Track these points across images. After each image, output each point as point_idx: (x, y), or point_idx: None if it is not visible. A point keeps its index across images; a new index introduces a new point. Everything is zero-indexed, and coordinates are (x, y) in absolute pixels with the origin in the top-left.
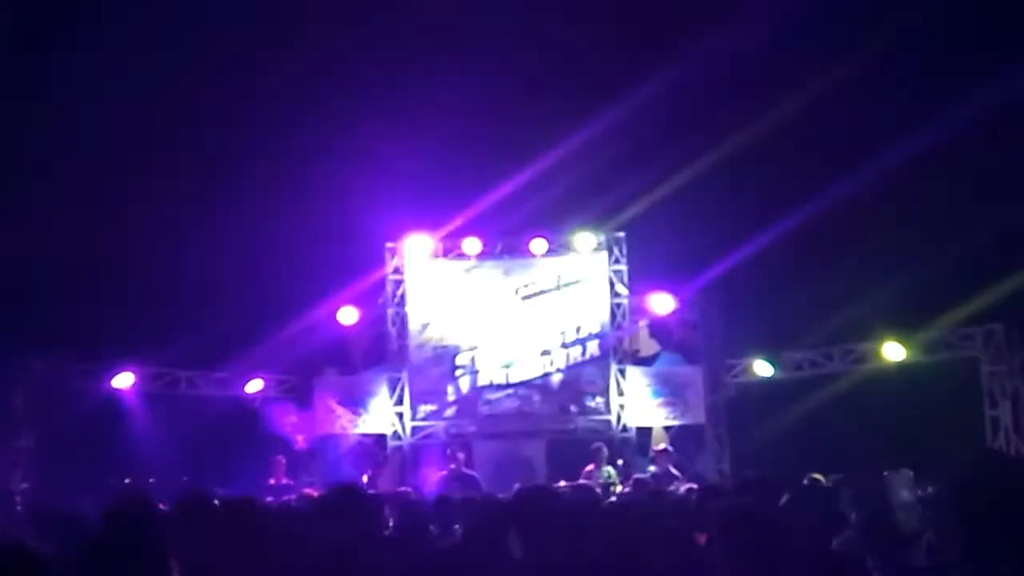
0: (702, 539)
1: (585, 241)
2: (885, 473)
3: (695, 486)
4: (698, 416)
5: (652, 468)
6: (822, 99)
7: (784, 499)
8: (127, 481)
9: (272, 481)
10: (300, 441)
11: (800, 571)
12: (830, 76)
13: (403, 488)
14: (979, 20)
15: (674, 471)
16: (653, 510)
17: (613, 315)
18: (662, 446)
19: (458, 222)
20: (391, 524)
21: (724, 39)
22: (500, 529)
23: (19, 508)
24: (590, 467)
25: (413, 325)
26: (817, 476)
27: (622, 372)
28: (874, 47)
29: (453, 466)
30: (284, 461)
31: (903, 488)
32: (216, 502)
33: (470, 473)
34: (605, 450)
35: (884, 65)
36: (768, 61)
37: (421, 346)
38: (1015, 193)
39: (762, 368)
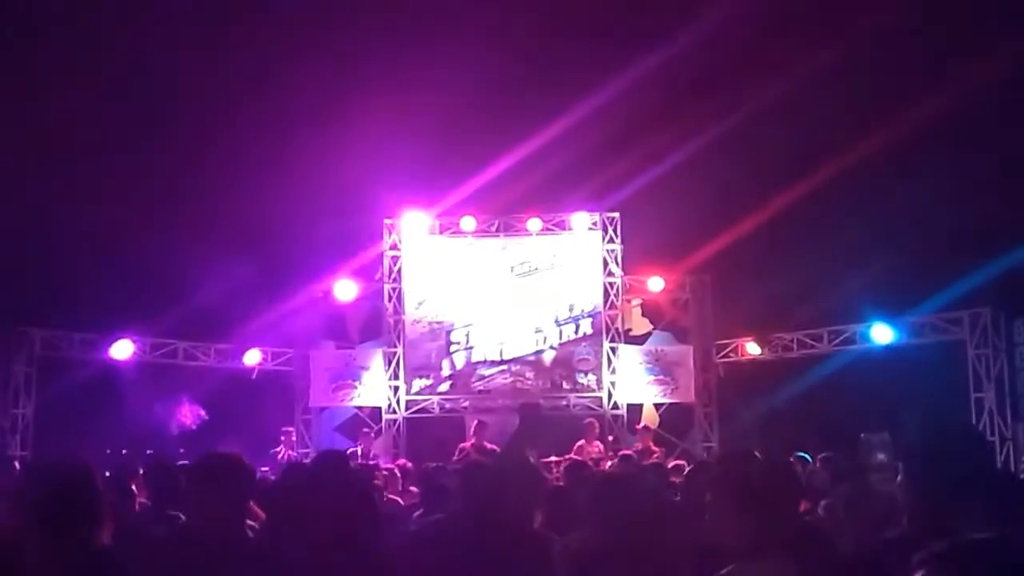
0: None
1: (580, 221)
2: (862, 435)
3: (682, 462)
4: (688, 395)
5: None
6: (813, 80)
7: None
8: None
9: (276, 451)
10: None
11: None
12: (821, 56)
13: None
14: None
15: (653, 447)
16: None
17: (606, 294)
18: (643, 424)
19: (455, 199)
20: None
21: (718, 20)
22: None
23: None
24: (581, 442)
25: (409, 301)
26: (803, 455)
27: (614, 350)
28: (867, 25)
29: (474, 440)
30: (293, 432)
31: (879, 450)
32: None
33: (491, 447)
34: (597, 426)
35: (872, 45)
36: (760, 41)
37: (417, 321)
38: (1004, 175)
39: (751, 348)
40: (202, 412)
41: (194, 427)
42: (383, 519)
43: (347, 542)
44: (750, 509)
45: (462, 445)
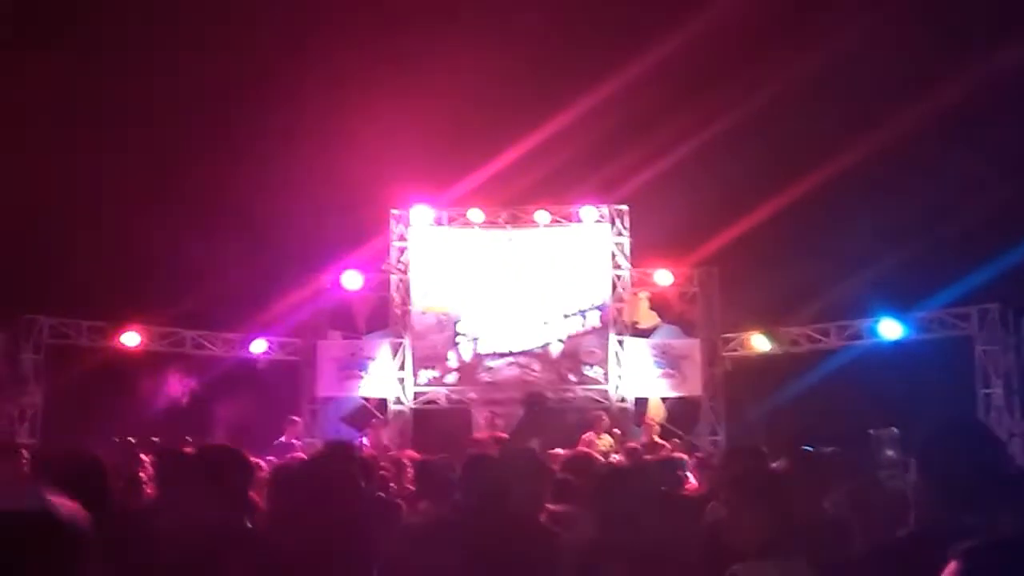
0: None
1: (588, 213)
2: (871, 431)
3: (684, 456)
4: (695, 388)
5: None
6: (823, 74)
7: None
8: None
9: (283, 440)
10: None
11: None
12: (832, 49)
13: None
14: None
15: (658, 440)
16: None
17: (614, 287)
18: (649, 417)
19: (463, 191)
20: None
21: (728, 12)
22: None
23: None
24: (589, 434)
25: (416, 292)
26: (808, 449)
27: (621, 343)
28: (878, 18)
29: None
30: (300, 422)
31: (888, 446)
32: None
33: (505, 436)
34: (606, 419)
35: (883, 38)
36: (771, 34)
37: (424, 312)
38: (1013, 171)
39: (759, 343)
40: (192, 384)
41: (185, 401)
42: (385, 508)
43: (341, 530)
44: (765, 505)
45: (476, 436)
